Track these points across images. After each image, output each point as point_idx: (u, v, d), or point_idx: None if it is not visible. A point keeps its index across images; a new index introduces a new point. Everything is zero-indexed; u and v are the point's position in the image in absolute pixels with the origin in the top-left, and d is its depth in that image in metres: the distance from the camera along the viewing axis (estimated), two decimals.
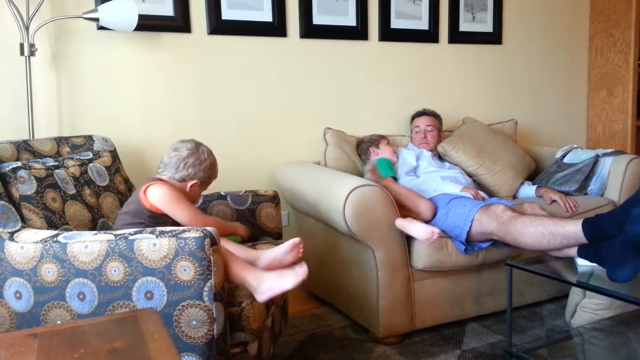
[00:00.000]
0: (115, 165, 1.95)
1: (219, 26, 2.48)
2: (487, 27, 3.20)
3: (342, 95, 2.81)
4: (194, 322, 1.27)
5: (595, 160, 2.59)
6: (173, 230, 1.29)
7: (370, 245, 2.01)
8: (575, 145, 2.82)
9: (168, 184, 1.65)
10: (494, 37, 3.22)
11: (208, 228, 1.30)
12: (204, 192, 2.04)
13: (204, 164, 1.71)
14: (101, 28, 2.24)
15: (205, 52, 2.48)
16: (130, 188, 2.04)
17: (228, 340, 1.34)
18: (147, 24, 2.31)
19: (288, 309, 1.88)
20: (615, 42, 3.42)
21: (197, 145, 1.73)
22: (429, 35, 3.01)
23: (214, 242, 1.28)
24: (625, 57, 3.37)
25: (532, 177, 2.83)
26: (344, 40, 2.78)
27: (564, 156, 2.76)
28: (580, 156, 2.66)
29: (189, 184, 1.69)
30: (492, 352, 1.97)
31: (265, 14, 2.57)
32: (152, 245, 1.27)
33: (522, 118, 3.32)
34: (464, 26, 3.12)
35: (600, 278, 1.73)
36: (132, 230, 1.33)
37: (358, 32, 2.80)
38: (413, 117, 2.84)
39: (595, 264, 1.80)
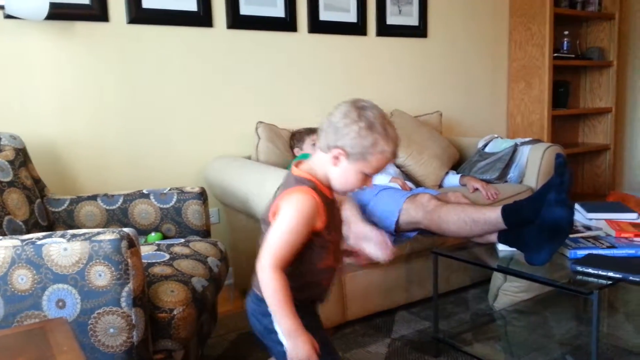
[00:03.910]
0: (19, 159, 1.81)
1: (140, 15, 2.37)
2: (413, 20, 3.26)
3: (272, 88, 2.77)
4: (112, 330, 1.20)
5: (514, 149, 2.71)
6: (86, 233, 1.21)
7: None
8: (496, 135, 2.94)
9: (304, 192, 1.17)
10: (419, 31, 3.29)
11: (125, 229, 1.23)
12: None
13: (351, 126, 1.16)
14: (8, 17, 2.07)
15: (124, 42, 2.36)
16: (42, 188, 1.91)
17: (150, 347, 1.29)
18: (60, 12, 2.17)
19: (218, 309, 1.83)
20: (532, 36, 3.60)
21: (357, 102, 1.21)
22: (358, 28, 3.03)
23: (131, 244, 1.21)
24: (541, 50, 3.55)
25: (456, 167, 2.92)
26: (273, 32, 2.73)
27: (485, 146, 2.87)
28: (500, 145, 2.78)
29: (332, 153, 1.19)
30: (420, 339, 2.02)
31: (189, 3, 2.48)
32: (62, 250, 1.19)
33: (447, 110, 3.42)
34: (391, 19, 3.16)
35: (519, 262, 1.80)
36: (40, 234, 1.24)
37: (287, 24, 2.77)
38: None
39: (514, 249, 1.88)
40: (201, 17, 2.52)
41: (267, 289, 1.15)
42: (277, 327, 1.19)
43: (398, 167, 2.71)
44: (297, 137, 2.60)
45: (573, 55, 3.85)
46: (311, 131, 2.60)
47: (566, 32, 3.84)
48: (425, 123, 3.05)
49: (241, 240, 2.42)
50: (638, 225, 1.90)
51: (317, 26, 2.87)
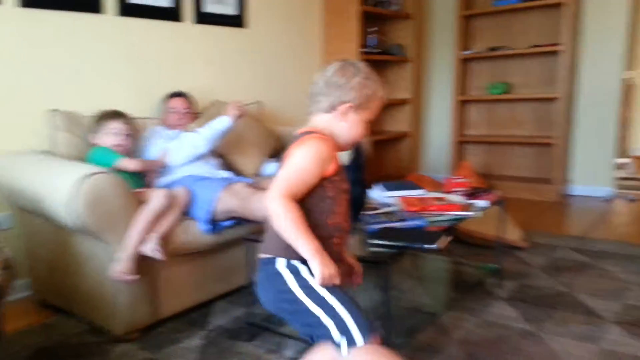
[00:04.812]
0: None
1: None
2: (232, 9, 3.26)
3: (77, 75, 2.53)
4: None
5: None
6: None
7: (105, 238, 1.87)
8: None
9: (319, 138, 1.25)
10: (239, 21, 3.30)
11: None
12: None
13: (352, 79, 1.28)
14: None
15: None
16: None
17: None
18: None
19: (3, 325, 1.61)
20: (343, 32, 3.85)
21: (345, 61, 1.33)
22: (173, 14, 2.92)
23: None
24: (351, 45, 3.81)
25: (276, 155, 3.01)
26: (73, 12, 2.49)
27: None
28: None
29: (339, 109, 1.28)
30: (236, 326, 2.03)
31: None
32: None
33: (268, 100, 3.50)
34: (209, 7, 3.11)
35: None
36: None
37: (91, 4, 2.54)
38: (169, 97, 2.72)
39: None
40: None
41: (280, 218, 1.16)
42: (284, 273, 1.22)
43: (220, 156, 2.69)
44: (96, 121, 2.31)
45: (379, 51, 4.22)
46: (116, 115, 2.31)
47: (372, 29, 4.18)
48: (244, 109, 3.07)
49: (40, 247, 2.18)
50: (424, 200, 2.16)
51: (127, 9, 2.70)
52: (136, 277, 1.85)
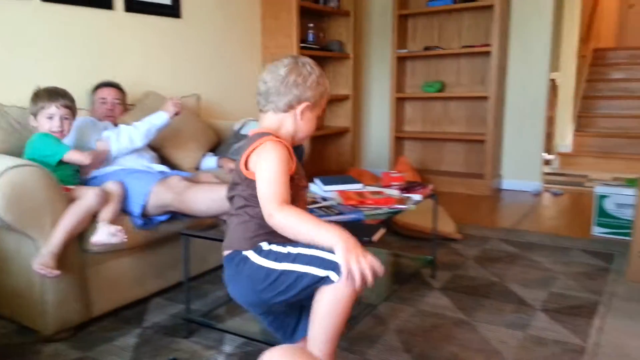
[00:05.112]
0: None
1: None
2: None
3: None
4: None
5: None
6: None
7: (30, 234, 1.77)
8: (251, 118, 3.06)
9: (274, 141, 1.25)
10: (172, 10, 3.20)
11: None
12: None
13: (309, 78, 1.32)
14: None
15: None
16: None
17: None
18: None
19: None
20: (281, 26, 3.83)
21: (295, 58, 1.34)
22: (101, 0, 2.79)
23: None
24: (290, 40, 3.80)
25: (214, 149, 2.96)
26: None
27: (241, 128, 2.97)
28: (254, 128, 2.90)
29: (299, 109, 1.32)
30: (173, 323, 1.99)
31: None
32: None
33: (206, 93, 3.42)
34: None
35: None
36: None
37: None
38: (97, 87, 2.59)
39: None
40: None
41: (289, 225, 1.16)
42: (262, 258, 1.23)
43: (155, 150, 2.61)
44: (33, 100, 2.06)
45: (318, 47, 4.23)
46: (54, 94, 2.04)
47: (311, 25, 4.19)
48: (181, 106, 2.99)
49: None
50: (361, 194, 2.19)
51: None
52: (58, 272, 1.75)
